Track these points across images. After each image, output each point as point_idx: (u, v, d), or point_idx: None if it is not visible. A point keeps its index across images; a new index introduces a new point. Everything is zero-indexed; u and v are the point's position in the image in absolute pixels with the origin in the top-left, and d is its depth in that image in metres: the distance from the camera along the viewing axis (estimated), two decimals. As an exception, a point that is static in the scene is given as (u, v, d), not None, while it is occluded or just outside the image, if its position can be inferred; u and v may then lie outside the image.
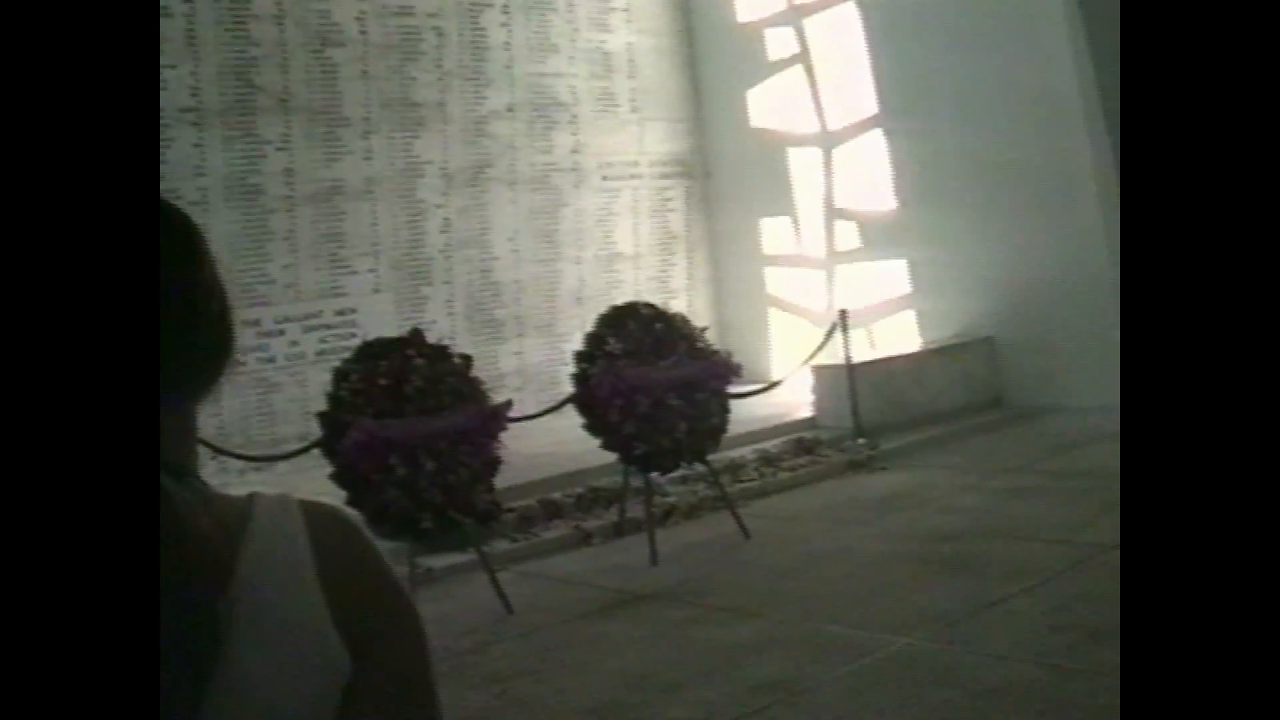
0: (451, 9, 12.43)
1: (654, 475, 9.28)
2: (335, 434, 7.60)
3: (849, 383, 11.70)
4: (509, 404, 8.32)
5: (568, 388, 9.28)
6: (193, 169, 10.95)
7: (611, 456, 9.22)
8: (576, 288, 13.32)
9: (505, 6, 12.77)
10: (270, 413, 11.27)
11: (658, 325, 9.17)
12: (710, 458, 9.44)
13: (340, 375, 7.80)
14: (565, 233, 13.25)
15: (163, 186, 10.61)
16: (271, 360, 11.27)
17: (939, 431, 11.90)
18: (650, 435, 8.85)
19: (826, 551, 8.62)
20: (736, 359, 9.61)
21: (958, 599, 7.16)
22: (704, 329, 9.61)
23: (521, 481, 9.48)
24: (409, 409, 7.70)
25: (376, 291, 11.93)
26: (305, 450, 8.84)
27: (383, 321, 11.62)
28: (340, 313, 11.62)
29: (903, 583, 7.67)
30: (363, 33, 11.86)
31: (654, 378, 8.88)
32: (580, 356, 9.07)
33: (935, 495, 9.94)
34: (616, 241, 13.72)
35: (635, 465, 9.07)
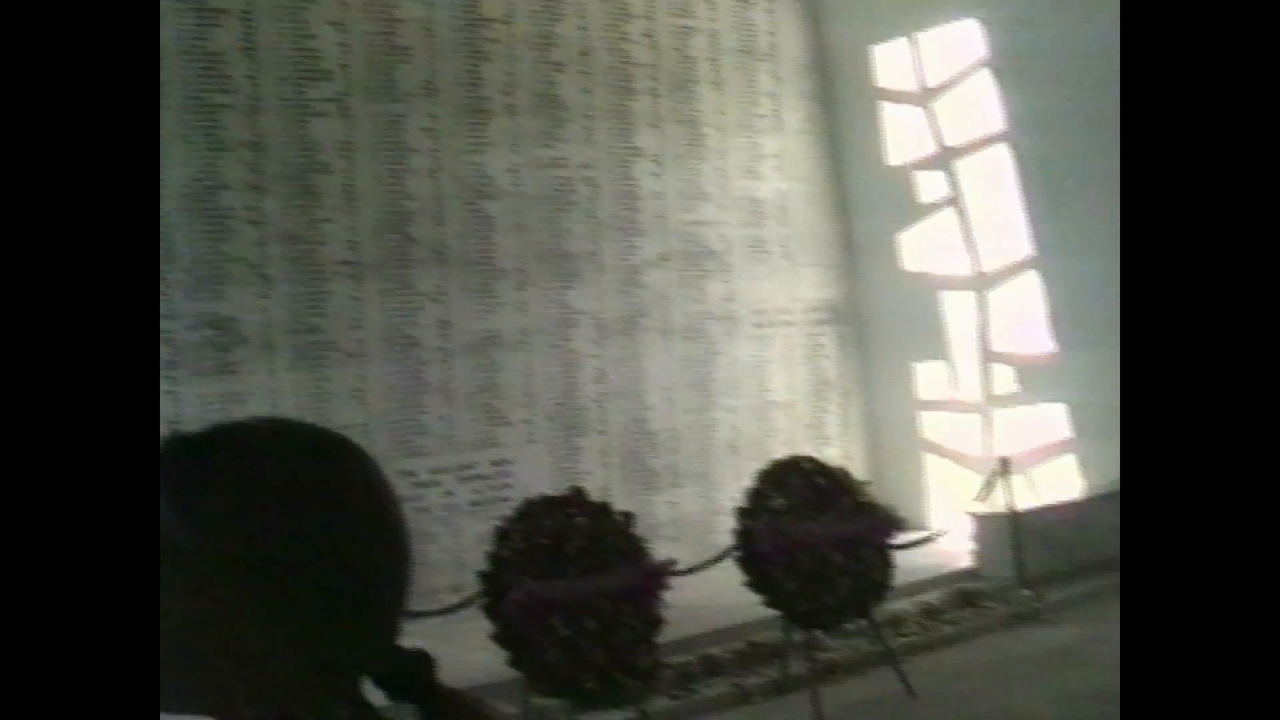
0: (603, 160, 12.53)
1: (816, 632, 9.10)
2: (496, 594, 7.54)
3: (1012, 532, 11.42)
4: (672, 562, 8.23)
5: (722, 538, 9.17)
6: (350, 321, 11.08)
7: (771, 610, 9.07)
8: (731, 436, 13.21)
9: (656, 156, 12.86)
10: (424, 563, 11.15)
11: (819, 480, 9.06)
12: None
13: (501, 535, 7.76)
14: (719, 381, 13.18)
15: (321, 338, 10.78)
16: (426, 510, 11.26)
17: (1107, 581, 11.53)
18: (814, 592, 8.71)
19: (996, 713, 8.35)
20: (898, 510, 9.45)
21: (1142, 769, 6.85)
22: (866, 483, 9.47)
23: (679, 636, 9.29)
24: (571, 569, 7.62)
25: (531, 442, 11.92)
26: (463, 606, 8.79)
27: (538, 472, 11.60)
28: (495, 463, 11.62)
29: (1082, 750, 7.39)
30: (516, 185, 11.98)
31: (817, 534, 8.74)
32: (742, 513, 8.96)
33: (1107, 650, 9.58)
34: (770, 389, 13.61)
35: (798, 622, 8.90)
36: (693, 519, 12.73)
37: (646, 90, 12.85)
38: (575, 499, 7.98)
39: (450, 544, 11.33)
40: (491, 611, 7.59)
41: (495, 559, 7.67)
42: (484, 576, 7.69)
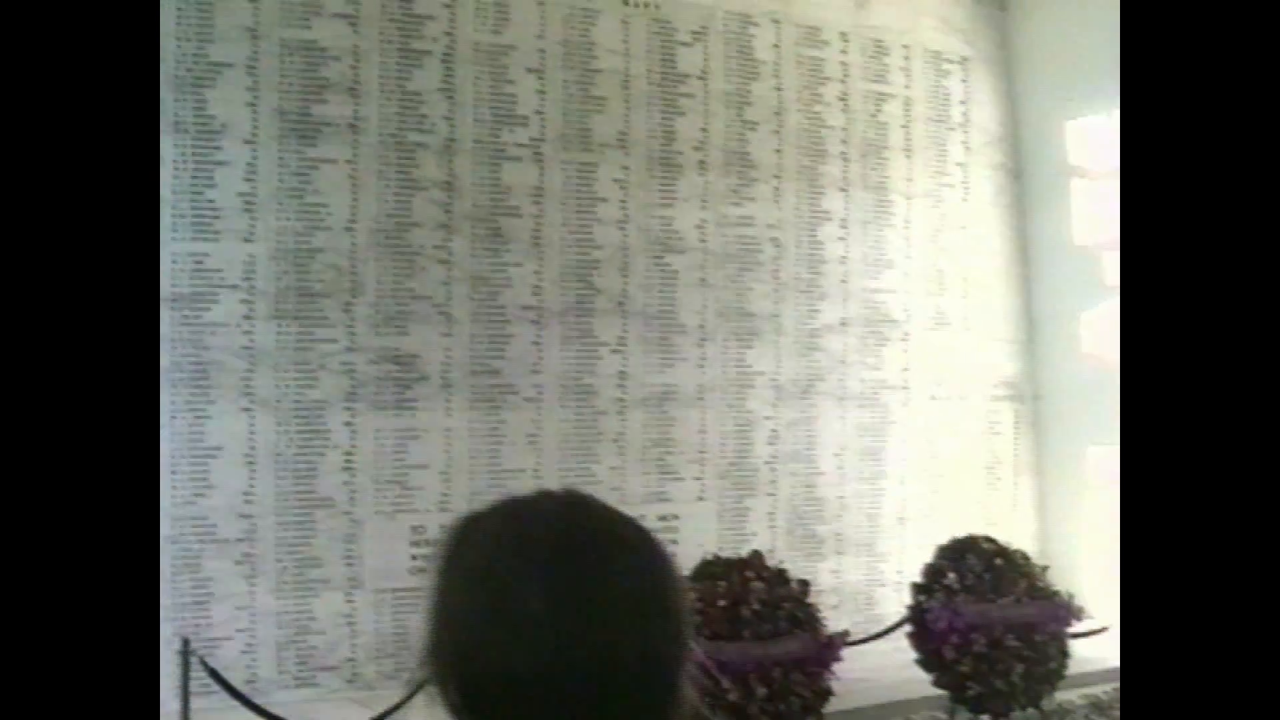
0: (790, 221, 12.47)
1: (983, 717, 8.92)
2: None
3: (1186, 629, 11.08)
4: (845, 634, 8.12)
5: (883, 609, 9.05)
6: (529, 366, 11.14)
7: (932, 689, 8.94)
8: (899, 508, 13.01)
9: (844, 221, 12.76)
10: (584, 613, 11.20)
11: (998, 561, 8.90)
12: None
13: (677, 593, 7.70)
14: (891, 451, 12.99)
15: (499, 381, 10.85)
16: (591, 561, 11.25)
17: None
18: (985, 675, 8.54)
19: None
20: (1074, 598, 9.25)
21: None
22: (1045, 568, 9.28)
23: (841, 708, 9.15)
24: (745, 632, 7.55)
25: (700, 499, 11.86)
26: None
27: (704, 530, 11.54)
28: (663, 518, 11.55)
29: None
30: (703, 241, 11.98)
31: (992, 616, 8.58)
32: (917, 588, 8.84)
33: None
34: (942, 463, 13.39)
35: (966, 705, 8.73)
36: (855, 588, 12.55)
37: (837, 154, 12.79)
38: (754, 562, 7.92)
39: (612, 595, 11.29)
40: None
41: (670, 617, 7.61)
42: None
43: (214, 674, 8.34)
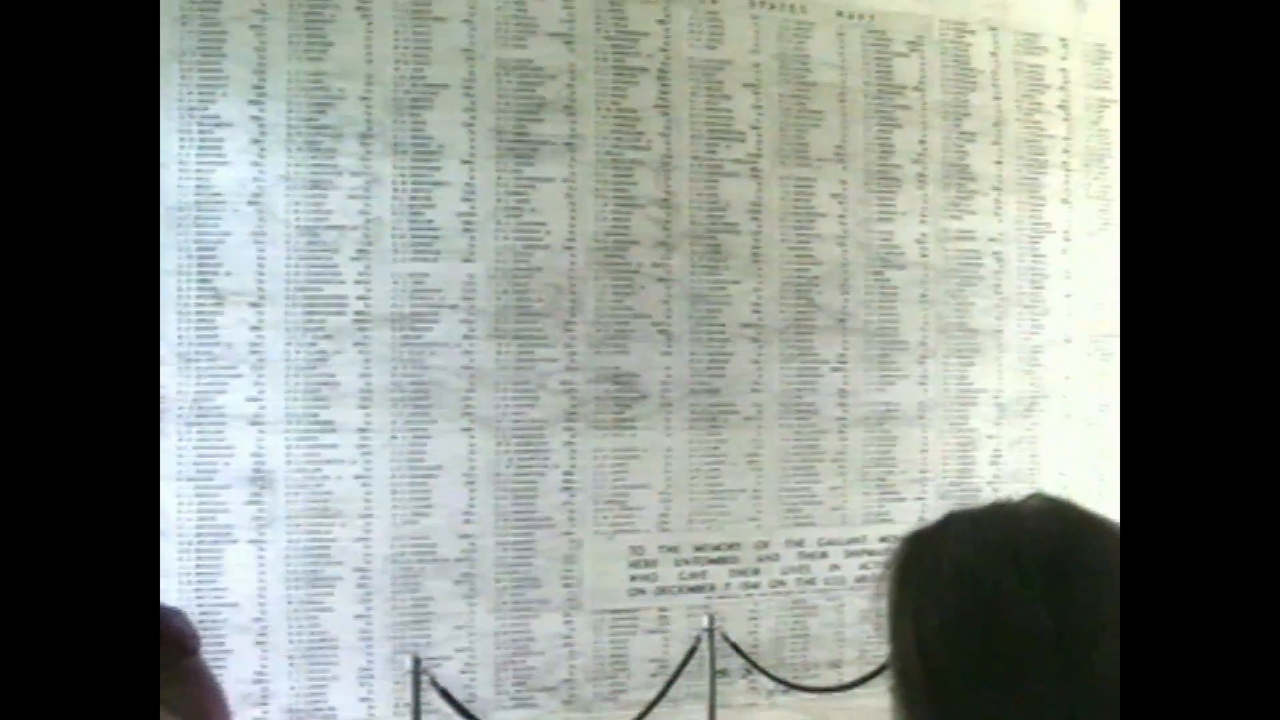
0: (1012, 234, 12.15)
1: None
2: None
3: None
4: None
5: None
6: (750, 384, 11.03)
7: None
8: (1124, 531, 12.63)
9: (1066, 233, 12.39)
10: (805, 635, 11.06)
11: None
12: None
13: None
14: (1116, 472, 12.61)
15: (719, 400, 10.74)
16: (811, 582, 11.12)
17: None
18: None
19: None
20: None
21: None
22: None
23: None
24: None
25: (922, 520, 11.58)
26: (857, 684, 8.59)
27: (926, 552, 11.31)
28: (884, 540, 11.33)
29: None
30: (923, 255, 11.73)
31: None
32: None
33: None
34: (1169, 484, 12.99)
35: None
36: (1080, 613, 12.21)
37: (1059, 164, 12.43)
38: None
39: (831, 618, 11.13)
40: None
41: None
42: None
43: (445, 694, 8.34)
